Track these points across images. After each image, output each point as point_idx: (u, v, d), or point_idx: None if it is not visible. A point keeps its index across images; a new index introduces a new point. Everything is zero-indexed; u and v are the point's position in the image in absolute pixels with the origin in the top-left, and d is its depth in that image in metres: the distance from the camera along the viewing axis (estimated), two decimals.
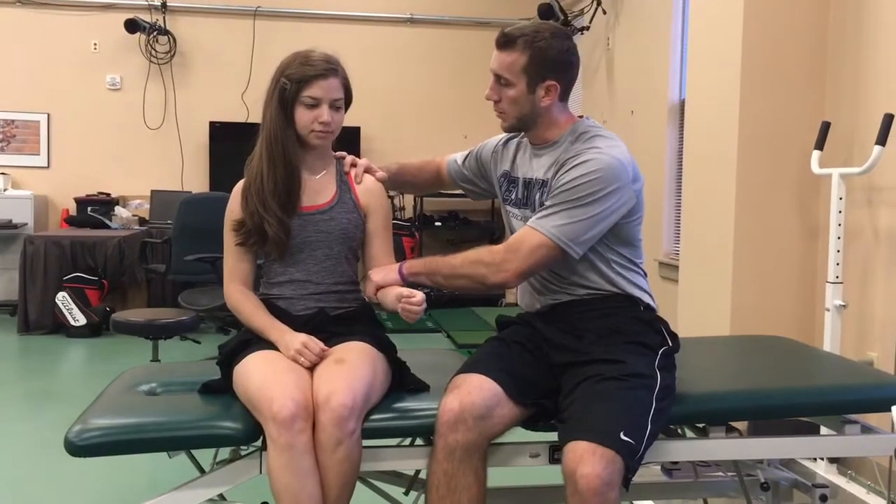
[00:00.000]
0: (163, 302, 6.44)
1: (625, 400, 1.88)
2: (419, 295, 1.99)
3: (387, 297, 2.10)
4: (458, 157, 2.43)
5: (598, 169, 1.99)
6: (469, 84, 7.59)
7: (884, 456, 2.79)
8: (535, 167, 2.15)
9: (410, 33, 7.68)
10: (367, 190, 2.23)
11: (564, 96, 2.13)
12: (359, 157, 2.31)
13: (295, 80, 2.10)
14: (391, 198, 2.35)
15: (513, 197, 2.21)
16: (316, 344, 2.03)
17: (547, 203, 2.04)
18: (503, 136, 2.31)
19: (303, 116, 2.11)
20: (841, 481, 3.14)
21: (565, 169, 2.04)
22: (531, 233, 2.02)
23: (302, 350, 2.00)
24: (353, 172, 2.25)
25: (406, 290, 2.01)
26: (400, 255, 7.14)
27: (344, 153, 2.30)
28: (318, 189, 2.20)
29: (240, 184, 2.20)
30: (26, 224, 6.74)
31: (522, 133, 2.23)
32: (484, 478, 1.93)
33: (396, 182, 2.44)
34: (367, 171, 2.27)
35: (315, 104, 2.10)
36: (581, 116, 2.18)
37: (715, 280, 3.74)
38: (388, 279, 2.13)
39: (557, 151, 2.10)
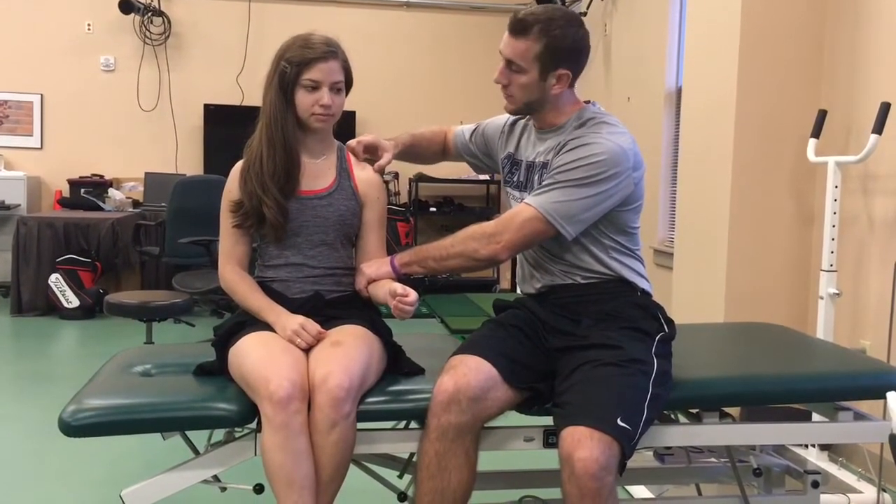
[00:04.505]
0: (156, 284, 6.44)
1: (622, 386, 1.88)
2: (413, 294, 1.99)
3: (378, 291, 2.11)
4: (466, 130, 2.42)
5: (598, 153, 1.99)
6: (465, 69, 7.57)
7: (875, 443, 2.81)
8: (538, 150, 2.15)
9: (407, 17, 7.64)
10: (367, 181, 2.23)
11: (573, 83, 2.12)
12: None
13: (295, 63, 2.09)
14: (386, 183, 2.34)
15: (514, 179, 2.22)
16: (313, 326, 2.03)
17: (544, 181, 2.04)
18: (510, 116, 2.31)
19: (303, 99, 2.10)
20: (832, 468, 3.15)
21: (566, 150, 2.04)
22: (524, 207, 2.03)
23: (299, 331, 2.00)
24: (356, 148, 2.25)
25: (400, 288, 2.00)
26: (395, 240, 7.14)
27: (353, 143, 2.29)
28: (318, 174, 2.19)
29: (238, 164, 2.19)
30: (19, 205, 6.71)
31: (528, 116, 2.22)
32: (475, 460, 1.93)
33: (408, 154, 2.41)
34: (375, 146, 2.26)
35: (315, 87, 2.09)
36: (588, 102, 2.18)
37: (710, 267, 3.74)
38: (380, 273, 2.14)
39: (561, 135, 2.10)
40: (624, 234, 2.11)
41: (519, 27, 2.04)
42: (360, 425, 1.93)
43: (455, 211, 7.51)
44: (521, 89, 2.08)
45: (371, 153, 2.29)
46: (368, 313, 2.16)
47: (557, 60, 2.04)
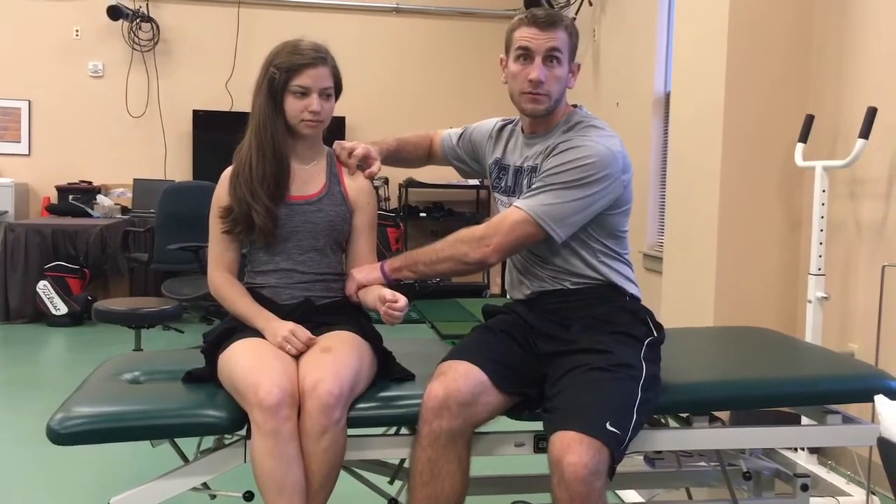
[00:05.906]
0: (145, 291, 6.41)
1: (611, 390, 1.88)
2: (402, 300, 1.99)
3: (368, 297, 2.11)
4: (454, 135, 2.42)
5: (587, 155, 2.01)
6: (455, 74, 7.57)
7: (863, 446, 2.82)
8: (525, 155, 2.16)
9: (396, 23, 7.64)
10: (357, 186, 2.23)
11: None
12: None
13: (284, 70, 2.09)
14: (375, 188, 2.33)
15: (502, 185, 2.22)
16: (303, 332, 2.02)
17: (534, 184, 2.05)
18: (497, 120, 2.31)
19: (292, 106, 2.10)
20: (821, 471, 3.16)
21: (555, 153, 2.05)
22: (514, 210, 2.04)
23: (289, 337, 2.00)
24: (349, 161, 2.24)
25: (389, 294, 2.00)
26: (385, 245, 7.13)
27: (343, 142, 2.28)
28: (307, 179, 2.19)
29: (228, 170, 2.19)
30: (7, 212, 6.67)
31: (517, 120, 2.23)
32: (467, 465, 1.93)
33: (393, 158, 2.41)
34: (366, 157, 2.25)
35: (304, 93, 2.09)
36: (575, 105, 2.19)
37: (698, 271, 3.76)
38: (370, 278, 2.14)
39: (549, 139, 2.11)
40: (613, 237, 2.12)
41: (551, 20, 2.06)
42: (351, 431, 1.92)
43: (445, 216, 7.51)
44: (557, 82, 2.08)
45: (361, 160, 2.29)
46: (358, 319, 2.15)
47: (575, 52, 2.12)
